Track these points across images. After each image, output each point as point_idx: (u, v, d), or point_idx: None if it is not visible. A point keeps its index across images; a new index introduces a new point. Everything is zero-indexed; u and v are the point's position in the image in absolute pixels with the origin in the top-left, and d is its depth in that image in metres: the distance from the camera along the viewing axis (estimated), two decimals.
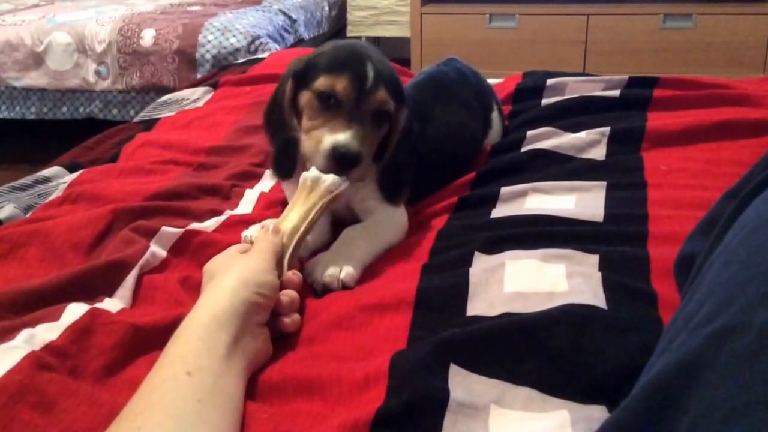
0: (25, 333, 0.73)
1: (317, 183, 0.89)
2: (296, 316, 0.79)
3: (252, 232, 0.91)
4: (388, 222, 1.00)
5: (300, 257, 0.89)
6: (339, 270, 0.87)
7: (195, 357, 0.64)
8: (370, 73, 0.92)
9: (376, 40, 4.18)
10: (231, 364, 0.65)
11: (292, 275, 0.82)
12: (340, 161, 0.90)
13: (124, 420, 0.58)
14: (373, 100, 0.92)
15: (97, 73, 3.01)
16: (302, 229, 0.86)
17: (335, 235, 0.97)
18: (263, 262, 0.77)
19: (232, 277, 0.73)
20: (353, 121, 0.91)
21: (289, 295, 0.78)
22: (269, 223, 0.88)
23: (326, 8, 3.82)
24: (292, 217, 0.87)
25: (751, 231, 0.49)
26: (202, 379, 0.62)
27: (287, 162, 0.99)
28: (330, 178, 0.89)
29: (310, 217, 0.87)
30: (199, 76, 2.75)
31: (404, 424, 0.60)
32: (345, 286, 0.87)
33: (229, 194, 1.17)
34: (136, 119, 1.66)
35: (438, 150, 1.12)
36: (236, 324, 0.68)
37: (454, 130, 1.16)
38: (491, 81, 1.50)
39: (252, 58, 2.13)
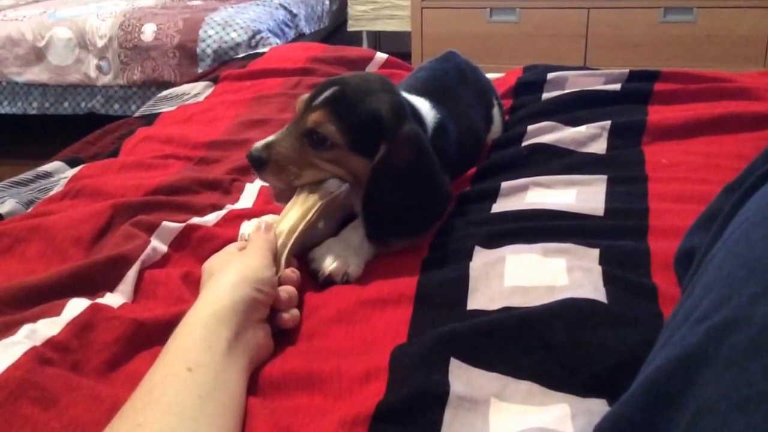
0: (26, 328, 0.73)
1: (318, 184, 0.91)
2: (295, 312, 0.79)
3: (249, 228, 0.91)
4: None
5: (296, 254, 0.90)
6: (345, 263, 0.87)
7: (195, 353, 0.64)
8: (321, 97, 0.91)
9: (377, 35, 4.18)
10: (232, 360, 0.66)
11: (291, 272, 0.82)
12: (248, 160, 0.92)
13: (124, 417, 0.58)
14: (308, 119, 0.90)
15: (98, 68, 3.01)
16: (300, 228, 0.86)
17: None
18: (261, 258, 0.77)
19: (232, 274, 0.73)
20: (287, 133, 0.92)
21: (287, 291, 0.79)
22: (264, 220, 0.89)
23: (327, 2, 3.81)
24: (292, 216, 0.88)
25: (752, 225, 0.49)
26: (202, 375, 0.62)
27: None
28: (330, 180, 0.91)
29: (309, 216, 0.88)
30: (199, 70, 2.75)
31: (405, 419, 0.60)
32: (347, 281, 0.87)
33: (229, 188, 1.17)
34: (136, 114, 1.66)
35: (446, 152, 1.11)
36: (236, 320, 0.68)
37: (462, 132, 1.15)
38: (492, 75, 1.49)
39: (253, 52, 2.13)
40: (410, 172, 0.92)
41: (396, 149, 0.90)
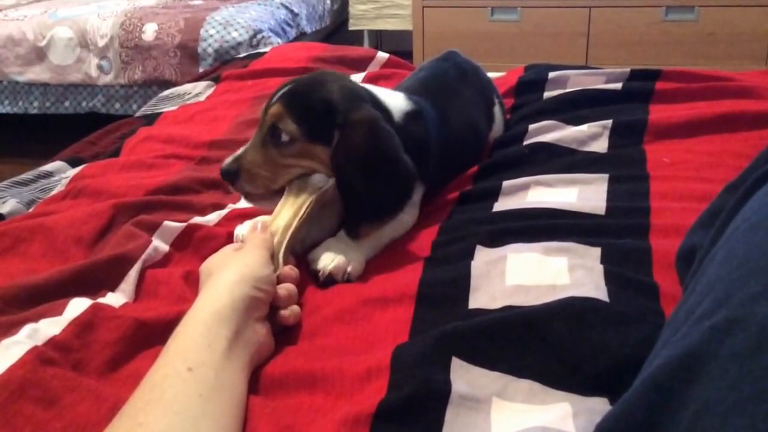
0: (27, 328, 0.73)
1: (305, 181, 0.92)
2: (296, 308, 0.79)
3: (244, 229, 0.93)
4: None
5: (295, 252, 0.90)
6: (346, 262, 0.88)
7: (196, 353, 0.64)
8: (275, 97, 0.93)
9: (378, 34, 4.18)
10: (232, 359, 0.66)
11: (289, 270, 0.83)
12: (221, 176, 0.94)
13: (125, 416, 0.58)
14: (268, 116, 0.92)
15: (100, 67, 3.02)
16: (294, 225, 0.87)
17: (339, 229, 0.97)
18: (259, 257, 0.78)
19: (230, 273, 0.73)
20: (252, 143, 0.94)
21: (286, 288, 0.79)
22: (259, 220, 0.90)
23: (328, 1, 3.81)
24: (285, 215, 0.89)
25: (753, 225, 0.49)
26: (203, 374, 0.62)
27: None
28: (317, 176, 0.92)
29: (301, 213, 0.88)
30: (201, 70, 2.75)
31: (406, 418, 0.60)
32: (348, 279, 0.87)
33: None
34: (138, 113, 1.66)
35: (449, 153, 1.11)
36: (236, 319, 0.68)
37: (462, 131, 1.15)
38: (493, 74, 1.49)
39: (254, 52, 2.13)
40: (368, 154, 0.92)
41: (349, 133, 0.91)
